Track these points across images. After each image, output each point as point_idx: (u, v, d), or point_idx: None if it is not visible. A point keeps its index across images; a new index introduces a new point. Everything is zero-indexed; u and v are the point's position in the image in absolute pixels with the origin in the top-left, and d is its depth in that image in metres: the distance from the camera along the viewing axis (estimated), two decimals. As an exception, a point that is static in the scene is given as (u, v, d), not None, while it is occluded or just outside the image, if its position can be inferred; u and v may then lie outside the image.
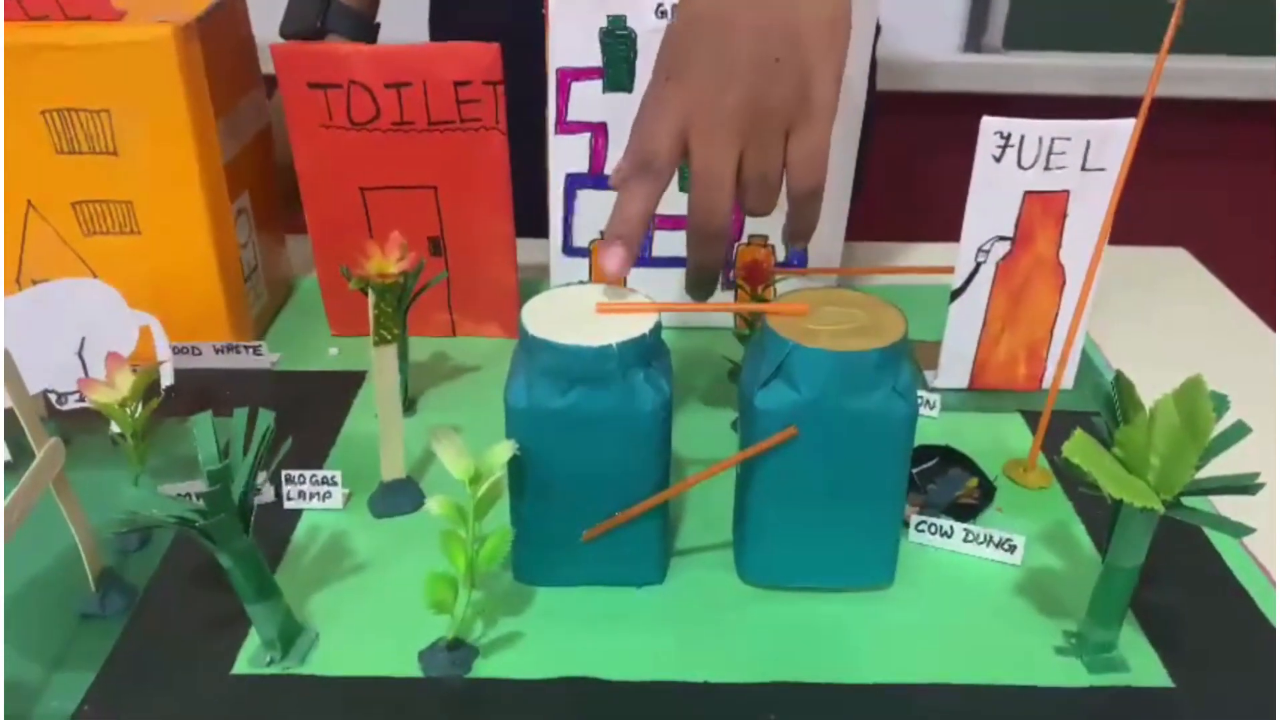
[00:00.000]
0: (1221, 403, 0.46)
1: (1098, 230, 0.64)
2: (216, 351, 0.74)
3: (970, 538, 0.58)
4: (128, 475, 0.62)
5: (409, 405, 0.71)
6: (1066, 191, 0.65)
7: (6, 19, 0.66)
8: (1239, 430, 0.47)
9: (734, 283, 0.71)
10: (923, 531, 0.59)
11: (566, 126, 0.73)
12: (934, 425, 0.69)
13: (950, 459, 0.64)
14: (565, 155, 0.74)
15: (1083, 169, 0.65)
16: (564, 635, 0.53)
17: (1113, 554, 0.49)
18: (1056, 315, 0.70)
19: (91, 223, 0.71)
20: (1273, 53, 1.49)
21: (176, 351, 0.72)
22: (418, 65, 0.69)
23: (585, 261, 0.78)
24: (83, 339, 0.64)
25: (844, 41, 0.54)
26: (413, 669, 0.51)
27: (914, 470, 0.63)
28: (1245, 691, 0.51)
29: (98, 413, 0.60)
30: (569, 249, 0.78)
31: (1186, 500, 0.47)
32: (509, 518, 0.54)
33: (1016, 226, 0.66)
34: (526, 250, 0.78)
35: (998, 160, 0.64)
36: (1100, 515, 0.61)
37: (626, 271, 0.54)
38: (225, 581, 0.49)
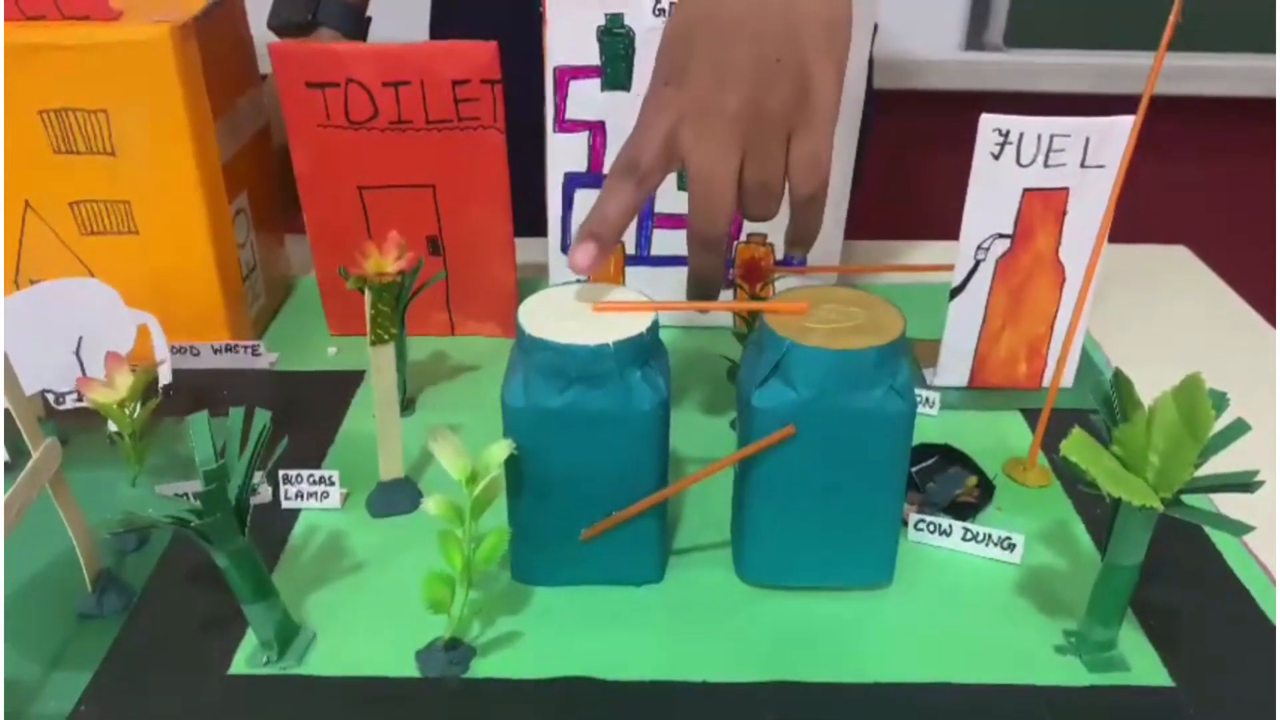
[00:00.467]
0: (1220, 400, 0.46)
1: (1097, 227, 0.64)
2: (215, 351, 0.74)
3: (969, 536, 0.58)
4: (126, 475, 0.62)
5: (407, 404, 0.71)
6: (1066, 189, 0.65)
7: (4, 18, 0.66)
8: (1238, 428, 0.47)
9: (733, 281, 0.71)
10: (922, 530, 0.59)
11: (565, 125, 0.73)
12: (933, 423, 0.69)
13: (949, 457, 0.64)
14: (563, 154, 0.74)
15: (1082, 166, 0.64)
16: (562, 635, 0.53)
17: (1112, 552, 0.49)
18: (1056, 313, 0.70)
19: (89, 222, 0.71)
20: (1273, 50, 1.49)
21: (174, 351, 0.72)
22: (416, 64, 0.69)
23: (584, 260, 0.78)
24: (80, 338, 0.64)
25: (845, 42, 0.53)
26: (410, 668, 0.51)
27: (913, 469, 0.63)
28: (1245, 690, 0.50)
29: (96, 412, 0.60)
30: (567, 248, 0.77)
31: (1186, 498, 0.46)
32: (506, 517, 0.54)
33: (1016, 224, 0.66)
34: (525, 249, 0.78)
35: (996, 158, 0.64)
36: (1100, 514, 0.61)
37: (596, 269, 0.53)
38: (222, 582, 0.49)
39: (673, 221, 0.76)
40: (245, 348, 0.75)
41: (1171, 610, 0.54)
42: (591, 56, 0.70)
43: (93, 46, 0.65)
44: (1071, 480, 0.63)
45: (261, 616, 0.50)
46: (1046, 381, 0.72)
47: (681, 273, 0.78)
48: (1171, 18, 0.55)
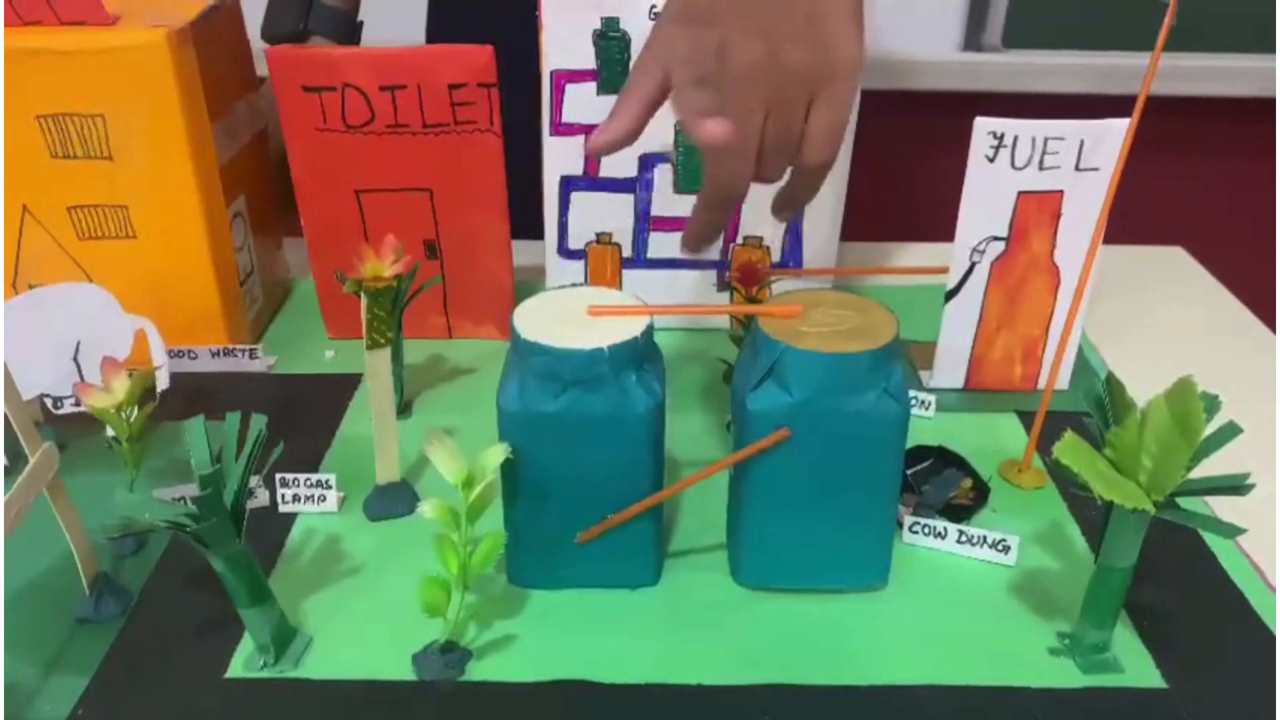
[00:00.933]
0: (1213, 403, 0.46)
1: (1092, 230, 0.64)
2: (212, 355, 0.75)
3: (964, 538, 0.58)
4: (124, 479, 0.62)
5: (405, 408, 0.71)
6: (1060, 191, 0.65)
7: (2, 24, 0.66)
8: (1230, 430, 0.47)
9: (729, 284, 0.71)
10: (917, 532, 0.59)
11: (561, 128, 0.73)
12: (929, 425, 0.69)
13: (945, 460, 0.64)
14: (560, 157, 0.74)
15: (1076, 169, 0.65)
16: (558, 638, 0.53)
17: (1105, 555, 0.49)
18: (1051, 315, 0.70)
19: (87, 227, 0.71)
20: (1270, 50, 1.49)
21: (172, 355, 0.72)
22: (412, 68, 0.69)
23: (580, 263, 0.78)
24: (78, 343, 0.64)
25: (861, 7, 0.51)
26: (406, 672, 0.51)
27: (908, 471, 0.63)
28: (1239, 692, 0.50)
29: (94, 417, 0.60)
30: (564, 251, 0.78)
31: (1179, 501, 0.47)
32: (502, 521, 0.54)
33: (1011, 226, 0.66)
34: (522, 252, 0.78)
35: (991, 160, 0.64)
36: (1094, 516, 0.61)
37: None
38: (220, 585, 0.49)
39: (669, 224, 0.76)
40: (243, 351, 0.75)
41: (1165, 612, 0.55)
42: (587, 60, 0.70)
43: (90, 52, 0.65)
44: (1066, 482, 0.64)
45: (258, 620, 0.50)
46: (1042, 384, 0.72)
47: (679, 275, 0.79)
48: (1166, 20, 0.55)
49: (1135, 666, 0.52)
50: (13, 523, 0.47)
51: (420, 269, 0.67)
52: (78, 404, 0.61)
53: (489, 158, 0.72)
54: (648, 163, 0.74)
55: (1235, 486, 0.46)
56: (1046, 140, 0.64)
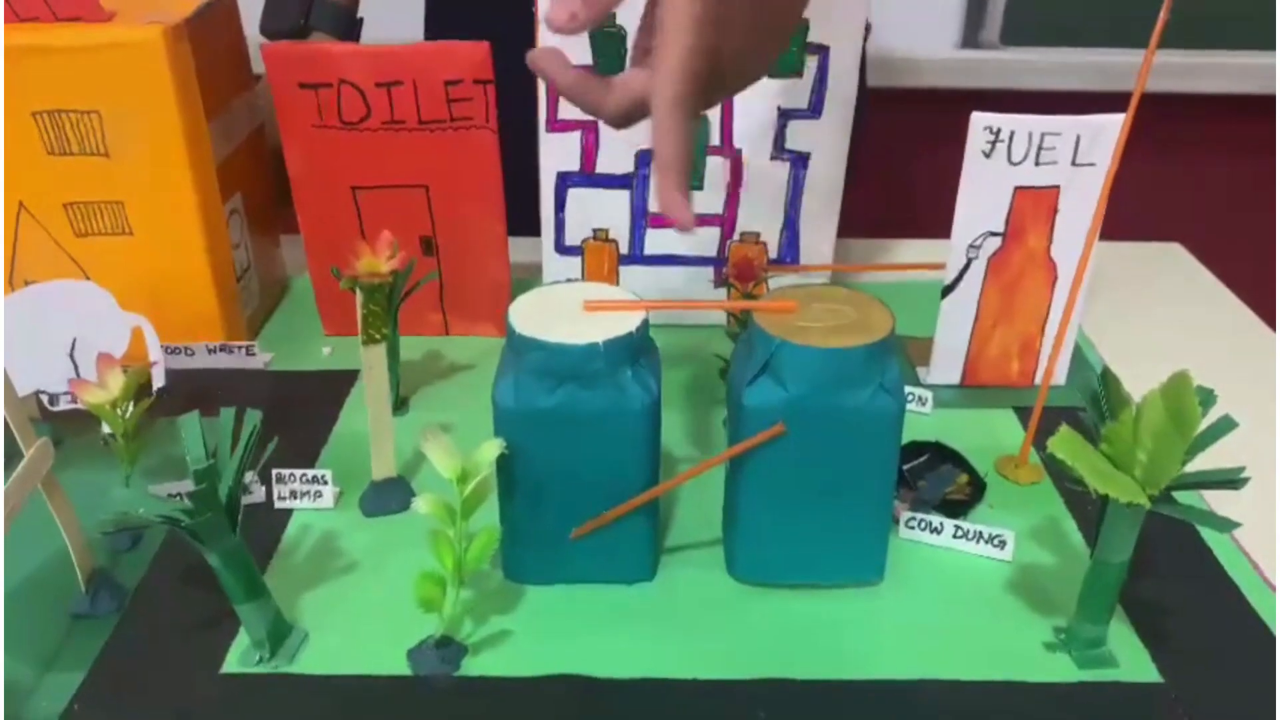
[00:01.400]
0: (1208, 397, 0.46)
1: (1089, 225, 0.64)
2: (209, 351, 0.74)
3: (961, 534, 0.58)
4: (120, 476, 0.62)
5: (401, 404, 0.71)
6: (1057, 187, 0.65)
7: (-3, 21, 0.66)
8: (1225, 425, 0.47)
9: (726, 280, 0.71)
10: (913, 528, 0.59)
11: (557, 125, 0.73)
12: (926, 421, 0.69)
13: (941, 455, 0.64)
14: (556, 153, 0.74)
15: (1073, 164, 0.64)
16: (553, 633, 0.53)
17: (1101, 549, 0.49)
18: (1048, 311, 0.70)
19: (83, 224, 0.71)
20: (1268, 47, 1.49)
21: (169, 352, 0.72)
22: (408, 64, 0.69)
23: (577, 260, 0.78)
24: (75, 340, 0.64)
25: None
26: (402, 667, 0.51)
27: (905, 466, 0.63)
28: (1234, 686, 0.50)
29: (90, 413, 0.60)
30: (561, 247, 0.78)
31: (1176, 495, 0.47)
32: (498, 516, 0.54)
33: (1007, 222, 0.66)
34: (518, 249, 0.78)
35: (987, 156, 0.64)
36: (1091, 511, 0.61)
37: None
38: (215, 581, 0.49)
39: (666, 221, 0.76)
40: (240, 348, 0.75)
41: (1161, 606, 0.55)
42: (585, 56, 0.70)
43: (85, 48, 0.65)
44: (1063, 478, 0.64)
45: (254, 615, 0.50)
46: (1039, 379, 0.72)
47: (676, 271, 0.79)
48: (1162, 15, 0.55)
49: (1131, 661, 0.52)
50: (8, 519, 0.47)
51: (417, 265, 0.67)
52: (74, 401, 0.61)
53: (485, 154, 0.72)
54: (644, 159, 0.74)
55: (1230, 480, 0.46)
56: (1043, 135, 0.63)
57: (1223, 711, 0.49)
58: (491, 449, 0.50)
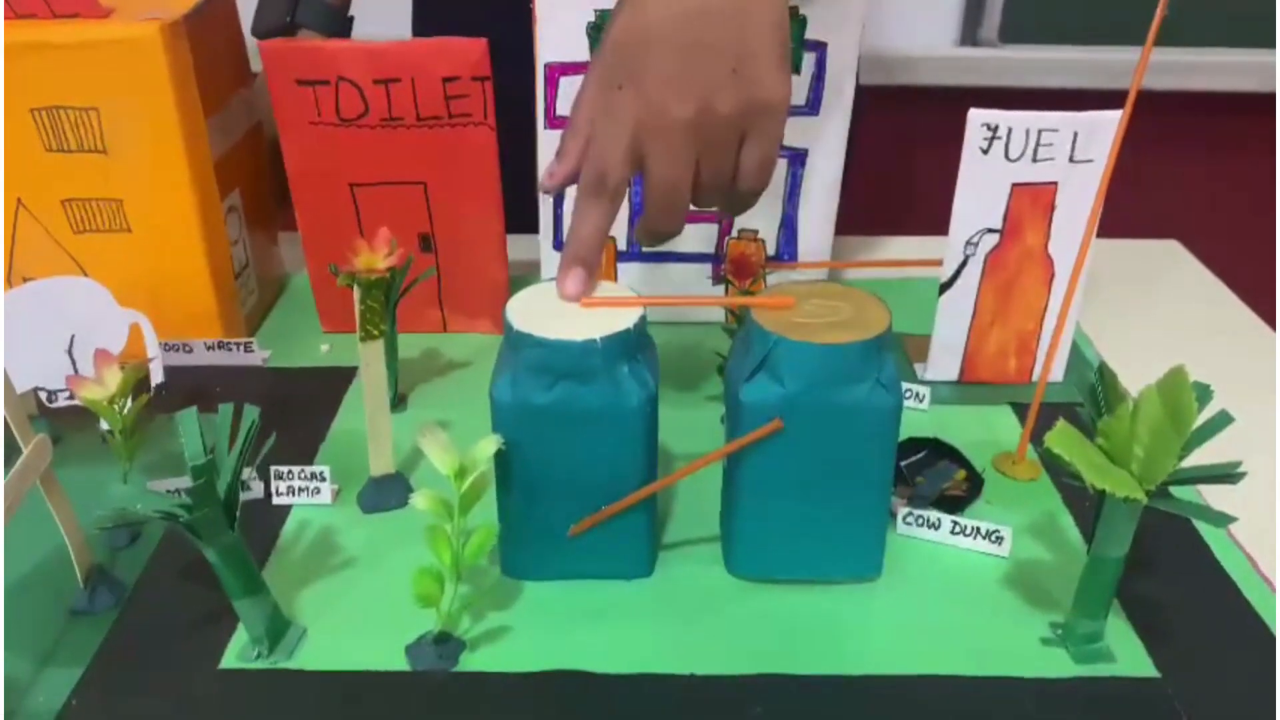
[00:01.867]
0: (1205, 393, 0.46)
1: (1087, 222, 0.64)
2: (207, 348, 0.74)
3: (958, 530, 0.58)
4: (118, 472, 0.62)
5: (400, 401, 0.71)
6: (1054, 183, 0.65)
7: (-6, 17, 0.66)
8: (1222, 420, 0.47)
9: (724, 277, 0.71)
10: (910, 524, 0.59)
11: (555, 121, 0.73)
12: (924, 418, 0.69)
13: (939, 451, 0.65)
14: (554, 150, 0.74)
15: (1070, 160, 0.65)
16: (551, 628, 0.53)
17: (1097, 544, 0.49)
18: (1046, 307, 0.70)
19: (81, 220, 0.71)
20: (1268, 44, 1.49)
21: (167, 349, 0.72)
22: (406, 61, 0.69)
23: (576, 257, 0.78)
24: (73, 337, 0.64)
25: (788, 40, 0.53)
26: (400, 663, 0.51)
27: (902, 463, 0.63)
28: (1230, 681, 0.51)
29: (88, 410, 0.60)
30: (559, 244, 0.78)
31: (1172, 490, 0.47)
32: (496, 512, 0.54)
33: (1005, 219, 0.66)
34: (517, 246, 0.78)
35: (985, 152, 0.64)
36: (1088, 507, 0.61)
37: (588, 292, 0.53)
38: (214, 577, 0.49)
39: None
40: (238, 345, 0.75)
41: (1158, 602, 0.55)
42: (582, 53, 0.70)
43: (83, 45, 0.65)
44: (1060, 474, 0.64)
45: (252, 611, 0.50)
46: (1036, 376, 0.72)
47: (674, 268, 0.79)
48: (1158, 12, 0.55)
49: (1128, 656, 0.52)
50: (7, 515, 0.47)
51: (414, 262, 0.67)
52: (72, 398, 0.61)
53: (483, 151, 0.72)
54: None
55: (1227, 475, 0.46)
56: (1040, 132, 0.64)
57: (1219, 706, 0.49)
58: (489, 445, 0.50)
